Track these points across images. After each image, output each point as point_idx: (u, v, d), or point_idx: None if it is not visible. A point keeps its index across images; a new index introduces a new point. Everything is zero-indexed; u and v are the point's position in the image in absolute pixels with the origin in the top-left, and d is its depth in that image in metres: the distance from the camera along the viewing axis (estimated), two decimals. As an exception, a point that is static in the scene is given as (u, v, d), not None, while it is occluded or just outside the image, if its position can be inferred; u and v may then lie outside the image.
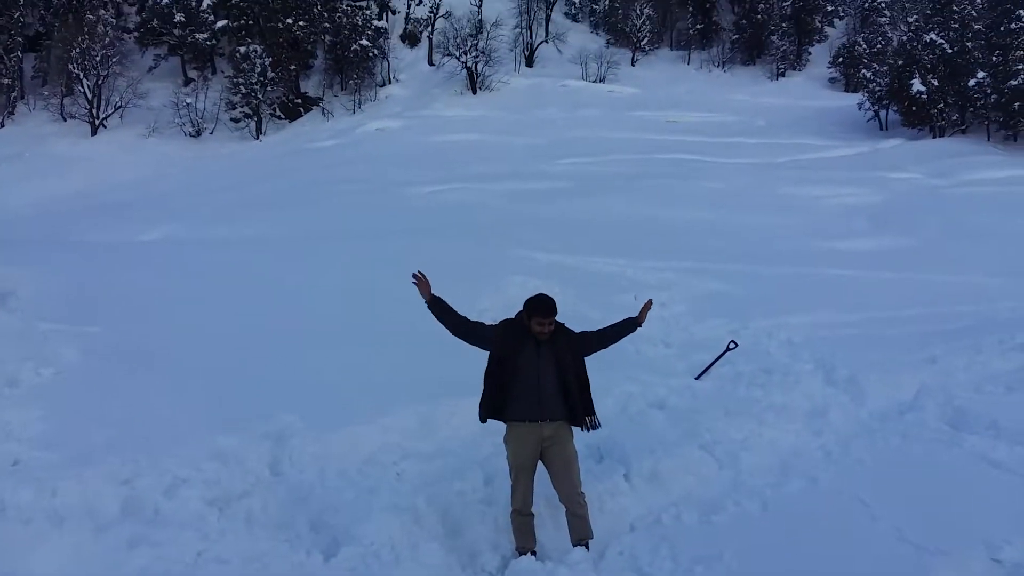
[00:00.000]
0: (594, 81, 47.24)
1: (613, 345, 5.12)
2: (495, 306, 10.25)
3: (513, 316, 4.93)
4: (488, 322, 5.22)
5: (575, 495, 4.74)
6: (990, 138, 30.62)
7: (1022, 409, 6.07)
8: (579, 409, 4.80)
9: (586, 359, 4.99)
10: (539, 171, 25.84)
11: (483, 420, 4.96)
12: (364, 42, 46.80)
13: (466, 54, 45.39)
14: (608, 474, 5.59)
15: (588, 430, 4.92)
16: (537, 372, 4.71)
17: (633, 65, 51.27)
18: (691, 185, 21.72)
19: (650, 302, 5.30)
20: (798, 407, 6.84)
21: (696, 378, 8.10)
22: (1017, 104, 28.62)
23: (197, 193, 27.16)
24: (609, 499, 5.31)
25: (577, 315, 9.89)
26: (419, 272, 4.98)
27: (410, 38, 53.05)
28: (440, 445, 6.22)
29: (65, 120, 42.72)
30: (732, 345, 8.65)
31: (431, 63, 50.17)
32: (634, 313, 5.21)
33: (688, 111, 39.34)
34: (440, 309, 4.96)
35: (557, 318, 4.81)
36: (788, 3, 51.95)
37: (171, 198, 26.23)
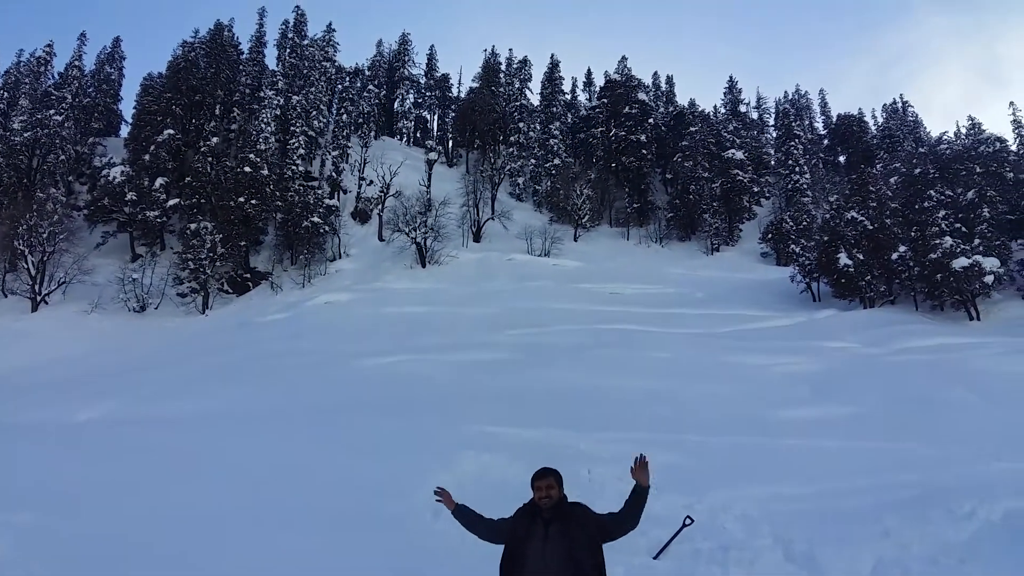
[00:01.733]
0: (539, 255, 49.03)
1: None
2: (447, 484, 10.02)
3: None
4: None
5: None
6: (918, 307, 32.27)
7: (978, 582, 6.06)
8: None
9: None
10: (488, 342, 26.11)
11: None
12: (315, 219, 48.17)
13: (415, 230, 46.96)
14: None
15: None
16: (543, 560, 4.43)
17: (576, 240, 53.56)
18: (637, 355, 22.12)
19: (642, 458, 4.83)
20: (758, 585, 6.71)
21: (654, 557, 7.91)
22: (939, 276, 30.42)
23: (139, 368, 26.55)
24: None
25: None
26: (440, 488, 5.11)
27: (361, 215, 54.86)
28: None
29: (6, 296, 42.13)
30: (688, 521, 8.54)
31: (381, 238, 51.65)
32: (623, 482, 4.99)
33: (630, 283, 40.79)
34: (465, 517, 4.99)
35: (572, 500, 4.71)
36: (717, 185, 55.77)
37: (112, 374, 25.56)
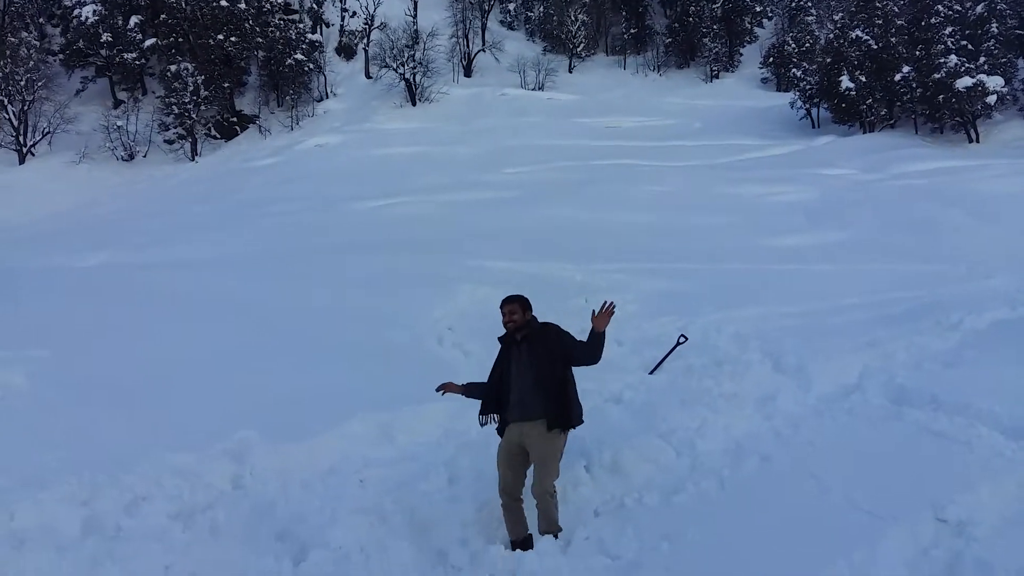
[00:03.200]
0: (533, 89, 47.64)
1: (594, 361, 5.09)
2: (449, 315, 10.35)
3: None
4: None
5: (541, 492, 4.85)
6: (917, 131, 31.79)
7: (958, 383, 6.36)
8: (555, 409, 4.89)
9: None
10: (484, 181, 25.93)
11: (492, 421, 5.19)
12: (299, 56, 46.34)
13: (403, 66, 45.31)
14: (569, 467, 5.68)
15: (572, 427, 5.07)
16: (519, 372, 4.96)
17: (571, 72, 51.88)
18: (635, 189, 22.05)
19: (609, 306, 5.04)
20: (748, 394, 7.05)
21: (650, 373, 8.27)
22: (941, 97, 29.74)
23: (133, 218, 26.51)
24: (572, 490, 5.41)
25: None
26: (440, 385, 5.30)
27: (345, 51, 52.74)
28: (402, 451, 6.26)
29: (-9, 149, 41.35)
30: (682, 339, 8.86)
31: (368, 76, 49.96)
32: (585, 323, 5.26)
33: (627, 116, 39.93)
34: (473, 392, 5.28)
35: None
36: (718, 5, 53.26)
37: (106, 224, 25.55)
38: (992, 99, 29.39)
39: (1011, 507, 4.32)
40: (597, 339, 4.99)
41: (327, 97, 47.93)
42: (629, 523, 4.68)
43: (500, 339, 5.25)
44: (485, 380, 5.25)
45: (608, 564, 4.30)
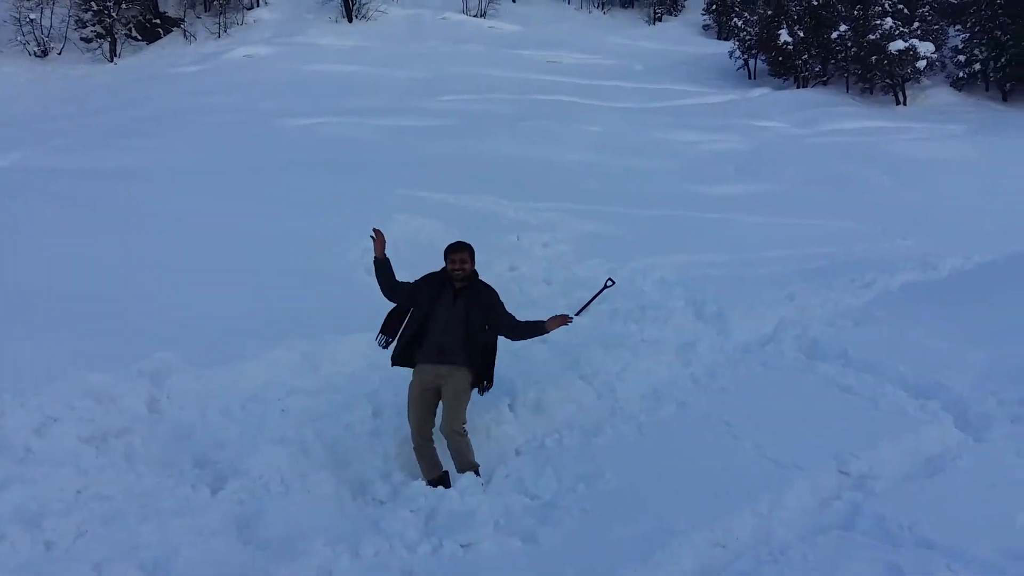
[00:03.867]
0: (475, 16, 46.37)
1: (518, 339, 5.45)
2: (378, 243, 10.21)
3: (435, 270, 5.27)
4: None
5: (450, 430, 4.93)
6: (849, 90, 32.45)
7: (868, 340, 6.67)
8: (479, 367, 5.11)
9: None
10: (420, 107, 25.34)
11: (393, 364, 5.24)
12: (230, -42, 43.77)
13: (341, -22, 43.41)
14: (493, 404, 5.77)
15: (481, 393, 5.27)
16: (446, 321, 4.99)
17: (514, 1, 50.70)
18: (572, 127, 21.96)
19: (566, 319, 5.29)
20: (670, 340, 7.26)
21: (576, 314, 8.38)
22: (874, 58, 30.37)
23: (48, 119, 24.96)
24: (495, 427, 5.50)
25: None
26: (377, 230, 5.25)
27: (281, -42, 50.10)
28: (326, 381, 6.21)
29: None
30: (609, 283, 9.00)
31: (304, -12, 47.72)
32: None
33: (568, 52, 39.38)
34: (383, 270, 5.18)
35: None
36: (666, -53, 52.52)
37: (18, 123, 24.00)
38: (922, 64, 30.17)
39: (908, 464, 4.60)
40: (534, 331, 5.28)
41: (257, 5, 45.60)
42: (548, 463, 4.80)
43: (431, 278, 5.23)
44: (400, 282, 5.26)
45: (527, 503, 4.42)
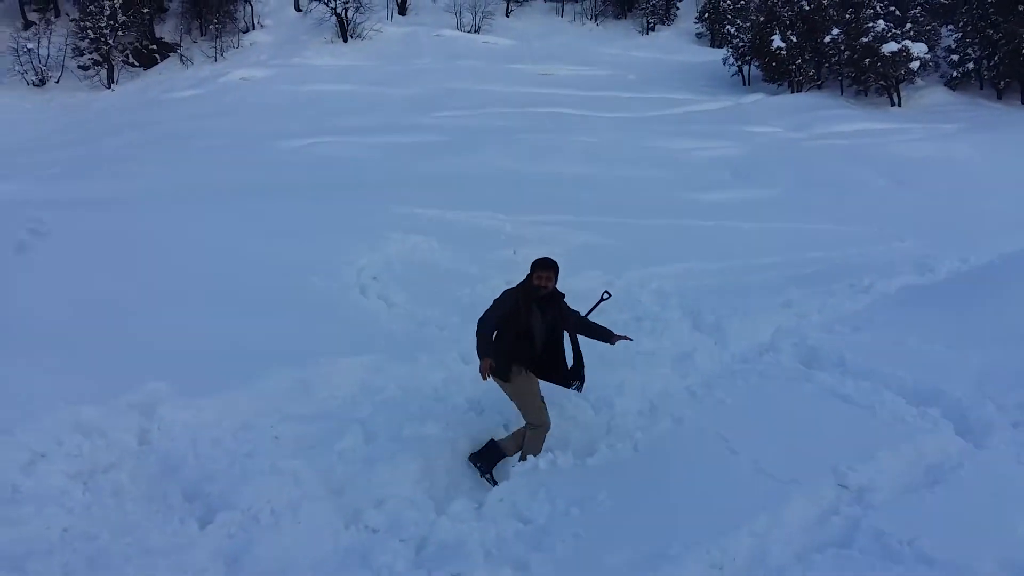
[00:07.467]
0: (469, 31, 46.55)
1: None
2: (374, 263, 10.14)
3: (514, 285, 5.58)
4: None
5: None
6: (843, 93, 32.48)
7: (866, 346, 6.61)
8: (562, 367, 5.49)
9: None
10: (415, 124, 25.41)
11: (506, 372, 5.29)
12: (224, -16, 44.06)
13: None
14: (487, 424, 5.71)
15: (570, 388, 5.58)
16: (542, 331, 5.35)
17: (507, 16, 50.85)
18: (567, 139, 21.97)
19: (629, 338, 5.86)
20: (667, 352, 7.20)
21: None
22: (867, 60, 30.40)
23: (44, 148, 25.05)
24: (490, 449, 5.42)
25: (457, 271, 9.97)
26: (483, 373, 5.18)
27: (275, -19, 50.38)
28: (318, 407, 6.12)
29: None
30: (606, 295, 8.88)
31: (298, 9, 47.86)
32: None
33: (562, 64, 39.51)
34: (489, 352, 5.25)
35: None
36: (656, -44, 52.71)
37: (14, 153, 24.07)
38: (915, 65, 30.18)
39: (907, 474, 4.52)
40: (596, 334, 5.74)
41: (253, 28, 45.83)
42: (542, 487, 4.73)
43: (519, 293, 5.35)
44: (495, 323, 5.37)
45: (519, 529, 4.34)
